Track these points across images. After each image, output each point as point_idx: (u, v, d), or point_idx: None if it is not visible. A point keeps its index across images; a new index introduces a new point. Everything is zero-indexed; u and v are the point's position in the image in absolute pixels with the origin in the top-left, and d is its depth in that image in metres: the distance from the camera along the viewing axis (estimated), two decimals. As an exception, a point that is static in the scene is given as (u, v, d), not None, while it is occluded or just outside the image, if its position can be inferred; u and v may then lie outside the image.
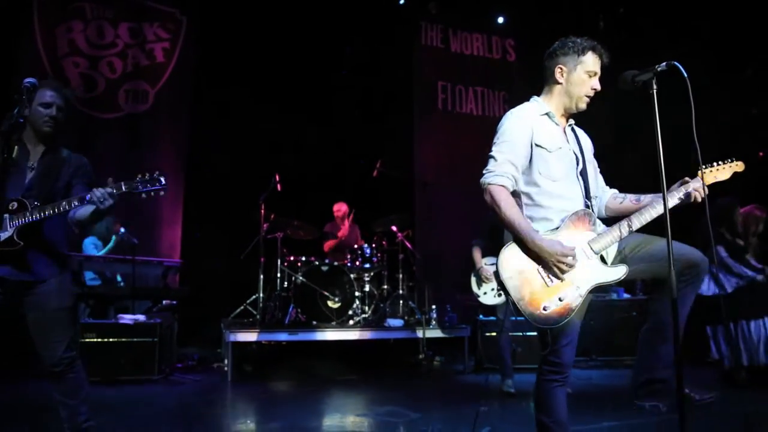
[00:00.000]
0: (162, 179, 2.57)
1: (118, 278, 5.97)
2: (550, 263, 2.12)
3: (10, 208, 2.50)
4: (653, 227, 2.29)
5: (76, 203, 2.51)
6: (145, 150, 6.97)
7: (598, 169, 2.52)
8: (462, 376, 5.54)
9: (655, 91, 2.11)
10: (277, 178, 6.23)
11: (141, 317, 5.12)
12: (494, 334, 5.67)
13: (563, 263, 2.11)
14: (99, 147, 6.75)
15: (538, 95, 2.46)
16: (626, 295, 6.17)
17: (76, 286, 2.80)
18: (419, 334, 5.83)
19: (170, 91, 7.15)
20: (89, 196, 2.44)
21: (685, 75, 2.04)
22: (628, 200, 2.45)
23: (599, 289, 2.28)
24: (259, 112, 7.32)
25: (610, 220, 2.42)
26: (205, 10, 7.29)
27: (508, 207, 2.18)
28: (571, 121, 2.46)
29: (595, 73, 2.35)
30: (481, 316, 5.87)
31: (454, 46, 8.41)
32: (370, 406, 4.30)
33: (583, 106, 2.37)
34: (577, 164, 2.36)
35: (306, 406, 4.28)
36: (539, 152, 2.29)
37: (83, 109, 6.81)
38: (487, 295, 4.80)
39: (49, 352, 2.55)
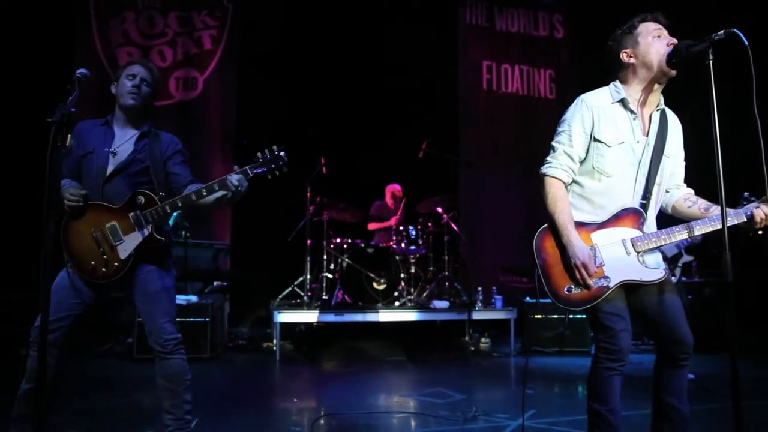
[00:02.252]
0: (282, 154, 2.47)
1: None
2: (571, 264, 2.15)
3: (138, 202, 2.44)
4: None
5: (205, 191, 2.40)
6: (196, 135, 7.14)
7: (683, 164, 2.40)
8: (508, 359, 5.50)
9: (711, 62, 1.93)
10: (323, 160, 6.28)
11: (193, 298, 5.31)
12: (539, 316, 5.60)
13: (579, 271, 2.12)
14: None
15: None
16: (683, 278, 5.93)
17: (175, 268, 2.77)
18: (465, 315, 5.81)
19: (218, 77, 7.30)
20: (227, 181, 2.35)
21: (746, 43, 1.84)
22: (697, 207, 2.30)
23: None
24: (303, 95, 7.38)
25: (674, 220, 2.29)
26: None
27: (554, 199, 2.24)
28: (661, 106, 2.30)
29: (660, 31, 2.22)
30: (527, 299, 5.79)
31: (499, 24, 8.18)
32: (414, 387, 4.33)
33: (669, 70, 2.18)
34: (643, 157, 2.23)
35: (351, 386, 4.35)
36: (597, 146, 2.24)
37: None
38: None
39: (157, 331, 2.56)
